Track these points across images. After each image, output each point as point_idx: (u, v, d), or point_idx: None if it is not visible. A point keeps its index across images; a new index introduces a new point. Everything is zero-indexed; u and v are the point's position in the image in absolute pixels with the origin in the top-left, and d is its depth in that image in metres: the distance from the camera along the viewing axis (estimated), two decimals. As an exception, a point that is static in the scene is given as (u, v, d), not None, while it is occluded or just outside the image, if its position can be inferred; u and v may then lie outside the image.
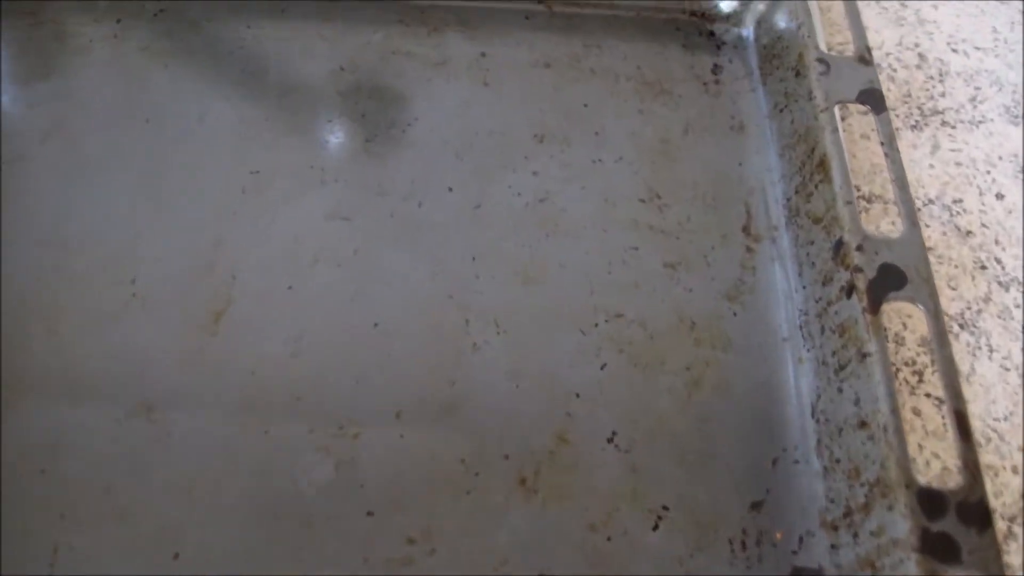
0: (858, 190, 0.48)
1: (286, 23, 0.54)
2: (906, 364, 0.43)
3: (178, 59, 0.54)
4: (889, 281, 0.40)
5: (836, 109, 0.45)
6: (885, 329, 0.39)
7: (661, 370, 0.44)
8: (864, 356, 0.38)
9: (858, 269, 0.40)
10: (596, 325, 0.45)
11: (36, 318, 0.45)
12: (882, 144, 0.44)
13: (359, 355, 0.44)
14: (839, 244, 0.41)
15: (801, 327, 0.43)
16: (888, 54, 0.55)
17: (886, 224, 0.47)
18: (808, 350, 0.43)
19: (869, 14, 0.57)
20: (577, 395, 0.42)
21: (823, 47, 0.48)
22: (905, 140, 0.51)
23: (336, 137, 0.51)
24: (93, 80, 0.52)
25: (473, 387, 0.43)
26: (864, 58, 0.47)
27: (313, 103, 0.52)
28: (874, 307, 0.39)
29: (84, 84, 0.53)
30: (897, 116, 0.52)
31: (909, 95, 0.53)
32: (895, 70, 0.54)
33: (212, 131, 0.51)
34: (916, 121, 0.52)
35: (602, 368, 0.43)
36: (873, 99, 0.45)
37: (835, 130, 0.44)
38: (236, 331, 0.45)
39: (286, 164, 0.48)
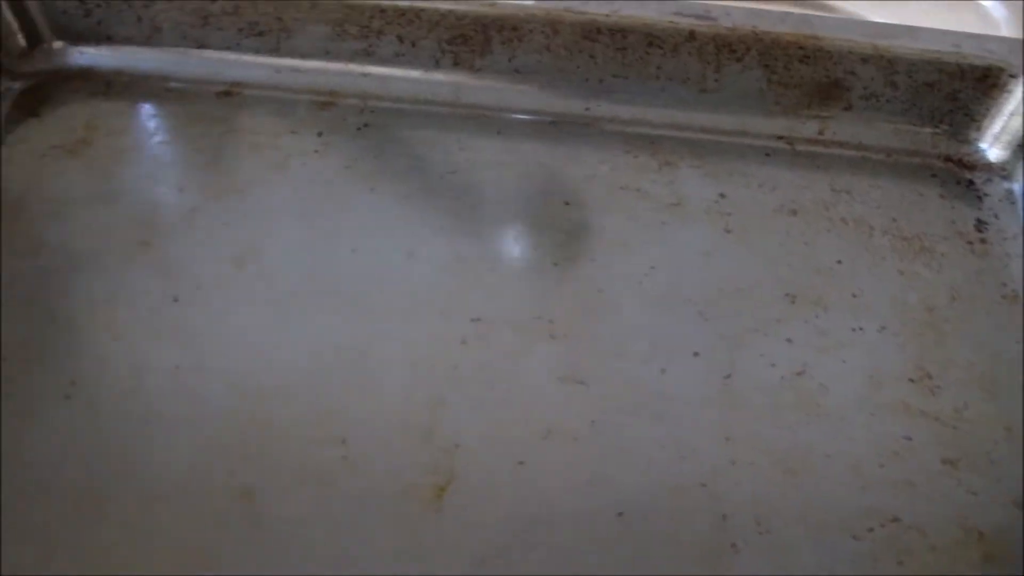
0: None
1: (503, 145, 0.51)
2: None
3: (384, 182, 0.51)
4: None
5: None
6: None
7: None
8: None
9: None
10: (870, 530, 0.42)
11: (232, 479, 0.42)
12: None
13: (601, 549, 0.40)
14: None
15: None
16: None
17: None
18: None
19: None
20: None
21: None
22: None
23: (564, 284, 0.48)
24: (292, 199, 0.49)
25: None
26: None
27: (537, 242, 0.49)
28: None
29: (282, 203, 0.50)
30: None
31: None
32: None
33: (425, 268, 0.48)
34: None
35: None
36: None
37: None
38: (461, 510, 0.41)
39: (510, 313, 0.45)
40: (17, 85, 0.54)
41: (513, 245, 0.47)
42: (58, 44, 0.55)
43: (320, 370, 0.44)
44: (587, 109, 0.52)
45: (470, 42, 0.51)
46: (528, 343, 0.44)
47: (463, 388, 0.43)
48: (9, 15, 0.53)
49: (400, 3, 0.51)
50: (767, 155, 0.52)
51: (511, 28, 0.50)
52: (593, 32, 0.50)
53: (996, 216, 0.50)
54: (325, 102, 0.53)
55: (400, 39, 0.52)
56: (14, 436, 0.42)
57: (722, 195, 0.50)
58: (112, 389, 0.44)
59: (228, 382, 0.44)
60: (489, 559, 0.39)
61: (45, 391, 0.44)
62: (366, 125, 0.52)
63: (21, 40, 0.54)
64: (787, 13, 0.51)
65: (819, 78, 0.52)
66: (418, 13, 0.51)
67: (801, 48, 0.50)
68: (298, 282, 0.47)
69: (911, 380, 0.45)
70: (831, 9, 0.61)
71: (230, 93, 0.53)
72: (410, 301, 0.45)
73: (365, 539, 0.40)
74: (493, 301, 0.45)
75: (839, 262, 0.49)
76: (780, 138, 0.52)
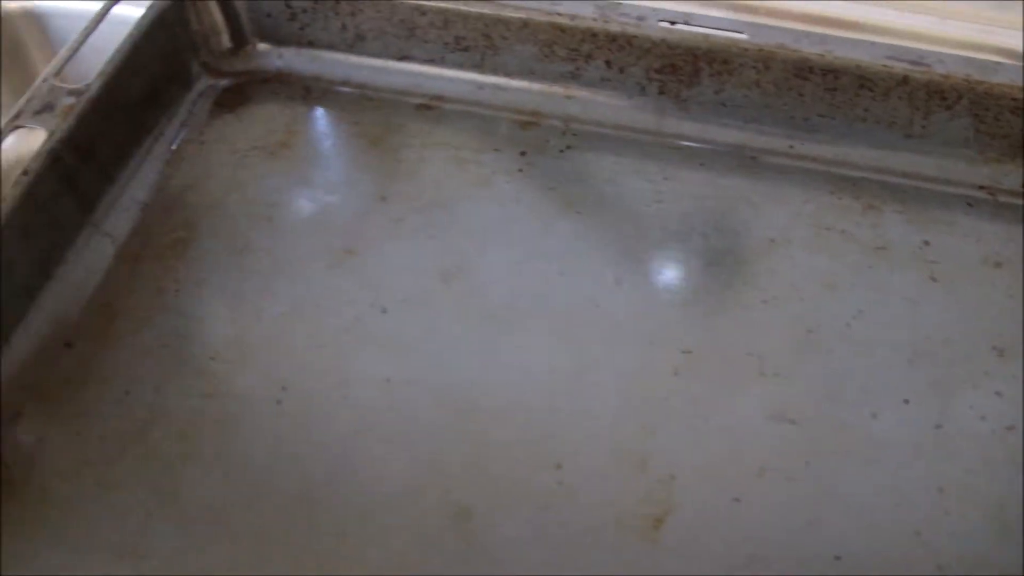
0: None
1: (705, 177, 0.51)
2: None
3: (589, 206, 0.52)
4: None
5: None
6: None
7: None
8: None
9: None
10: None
11: (450, 497, 0.43)
12: None
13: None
14: None
15: None
16: None
17: None
18: None
19: None
20: None
21: None
22: None
23: (775, 321, 0.48)
24: (497, 217, 0.51)
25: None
26: None
27: (745, 276, 0.49)
28: None
29: (487, 221, 0.51)
30: None
31: None
32: None
33: (633, 296, 0.49)
34: None
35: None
36: None
37: None
38: (679, 543, 0.42)
39: (719, 347, 0.45)
40: (220, 83, 0.56)
41: (719, 279, 0.48)
42: (262, 46, 0.56)
43: (532, 392, 0.45)
44: (791, 147, 0.53)
45: (679, 72, 0.52)
46: (738, 378, 0.45)
47: (676, 419, 0.44)
48: (219, 15, 0.54)
49: (612, 29, 0.51)
50: (969, 204, 0.52)
51: (722, 61, 0.51)
52: (805, 70, 0.51)
53: None
54: (527, 122, 0.54)
55: (608, 64, 0.53)
56: (228, 437, 0.44)
57: (926, 242, 0.50)
58: (322, 397, 0.45)
59: (440, 398, 0.45)
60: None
61: (256, 395, 0.45)
62: (568, 147, 0.52)
63: (227, 40, 0.56)
64: (1000, 63, 0.51)
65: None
66: (630, 40, 0.51)
67: (1014, 100, 0.50)
68: (506, 301, 0.48)
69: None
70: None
71: (430, 106, 0.54)
72: (619, 328, 0.46)
73: (582, 567, 0.40)
74: (702, 334, 0.46)
75: (1047, 318, 0.47)
76: (982, 188, 0.53)
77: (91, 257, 0.50)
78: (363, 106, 0.55)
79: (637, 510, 0.42)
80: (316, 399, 0.45)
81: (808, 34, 0.51)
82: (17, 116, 0.48)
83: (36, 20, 0.65)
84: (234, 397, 0.45)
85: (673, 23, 0.51)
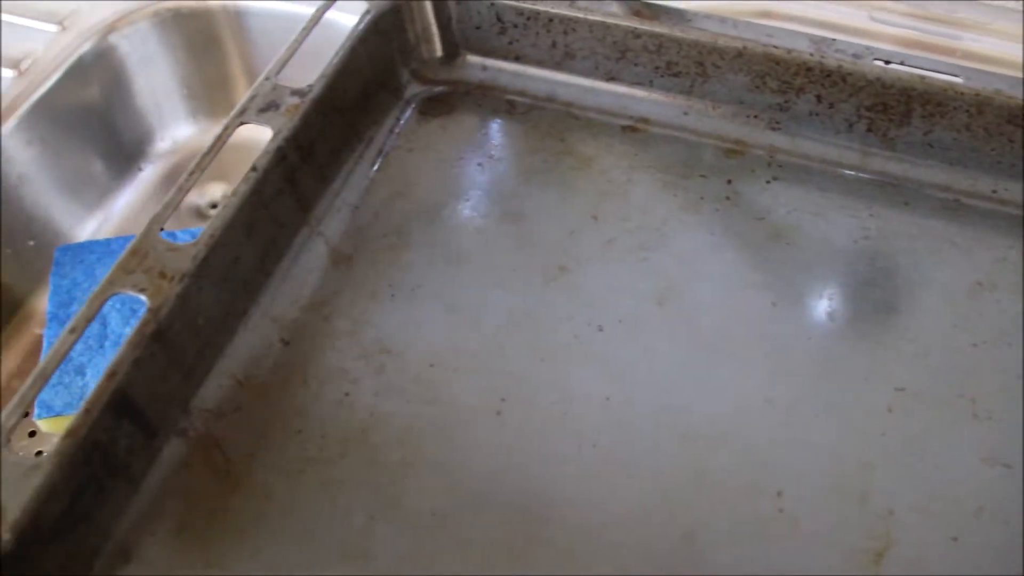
0: None
1: (910, 218, 0.53)
2: None
3: (800, 239, 0.54)
4: None
5: None
6: None
7: None
8: None
9: None
10: None
11: (673, 518, 0.45)
12: None
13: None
14: None
15: None
16: None
17: None
18: None
19: None
20: None
21: None
22: None
23: (985, 365, 0.50)
24: (708, 243, 0.54)
25: None
26: None
27: (954, 319, 0.51)
28: None
29: (699, 246, 0.54)
30: None
31: None
32: None
33: (843, 331, 0.51)
34: None
35: None
36: None
37: None
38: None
39: (932, 387, 0.47)
40: (427, 92, 0.58)
41: (928, 319, 0.49)
42: (471, 58, 0.58)
43: (749, 419, 0.47)
44: (994, 192, 0.54)
45: (890, 111, 0.53)
46: (951, 419, 0.46)
47: (892, 455, 0.45)
48: (432, 24, 0.57)
49: (828, 64, 0.53)
50: None
51: (936, 104, 0.53)
52: (1018, 117, 0.52)
53: None
54: (732, 150, 0.56)
55: (819, 99, 0.54)
56: (448, 445, 0.46)
57: None
58: (542, 411, 0.47)
59: (660, 420, 0.47)
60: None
61: (476, 404, 0.47)
62: (774, 179, 0.54)
63: (438, 49, 0.58)
64: None
65: None
66: (844, 76, 0.53)
67: None
68: (720, 328, 0.50)
69: None
70: None
71: (636, 128, 0.57)
72: (833, 362, 0.48)
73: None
74: (914, 373, 0.48)
75: None
76: None
77: (307, 257, 0.53)
78: (569, 124, 0.57)
79: (857, 543, 0.44)
80: (537, 413, 0.47)
81: None
82: (242, 113, 0.51)
83: (235, 17, 0.68)
84: (453, 405, 0.48)
85: (888, 62, 0.52)
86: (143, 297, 0.44)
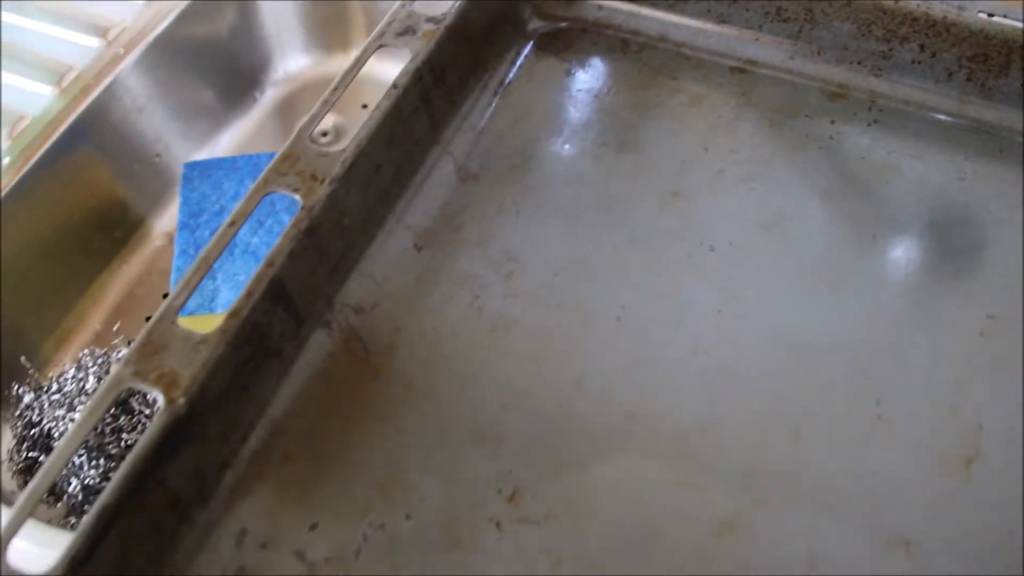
0: None
1: (1007, 162, 0.58)
2: None
3: (898, 178, 0.58)
4: None
5: None
6: None
7: None
8: None
9: None
10: None
11: (781, 420, 0.49)
12: None
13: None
14: None
15: None
16: None
17: None
18: None
19: None
20: None
21: None
22: None
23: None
24: (812, 178, 0.57)
25: None
26: None
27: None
28: None
29: (803, 180, 0.58)
30: None
31: None
32: None
33: (941, 263, 0.55)
34: None
35: None
36: None
37: None
38: (988, 484, 0.47)
39: (1021, 317, 0.50)
40: (546, 27, 0.62)
41: (1020, 256, 0.54)
42: (591, -4, 0.63)
43: (851, 336, 0.52)
44: (1085, 142, 0.58)
45: (989, 62, 0.57)
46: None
47: (983, 375, 0.50)
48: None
49: (933, 14, 0.57)
50: None
51: (1034, 56, 0.57)
52: (1112, 71, 0.56)
53: None
54: (835, 93, 0.60)
55: (921, 48, 0.59)
56: (573, 346, 0.52)
57: None
58: (659, 320, 0.52)
59: (768, 333, 0.51)
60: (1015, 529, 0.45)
61: (599, 310, 0.52)
62: (875, 122, 0.59)
63: (562, -13, 0.62)
64: None
65: None
66: (949, 27, 0.57)
67: None
68: (823, 253, 0.54)
69: None
70: None
71: (743, 70, 0.61)
72: (928, 290, 0.52)
73: (902, 489, 0.47)
74: (1005, 303, 0.52)
75: None
76: None
77: (438, 173, 0.58)
78: (680, 64, 0.61)
79: (948, 451, 0.47)
80: (653, 321, 0.52)
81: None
82: (380, 36, 0.55)
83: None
84: (576, 310, 0.52)
85: (991, 15, 0.56)
86: (297, 196, 0.49)
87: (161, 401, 0.42)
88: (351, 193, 0.51)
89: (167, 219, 0.74)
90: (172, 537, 0.44)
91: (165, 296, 0.66)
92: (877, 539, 0.45)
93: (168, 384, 0.43)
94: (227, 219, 0.47)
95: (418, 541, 0.45)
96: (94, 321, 0.68)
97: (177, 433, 0.43)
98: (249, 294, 0.46)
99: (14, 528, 0.39)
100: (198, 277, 0.46)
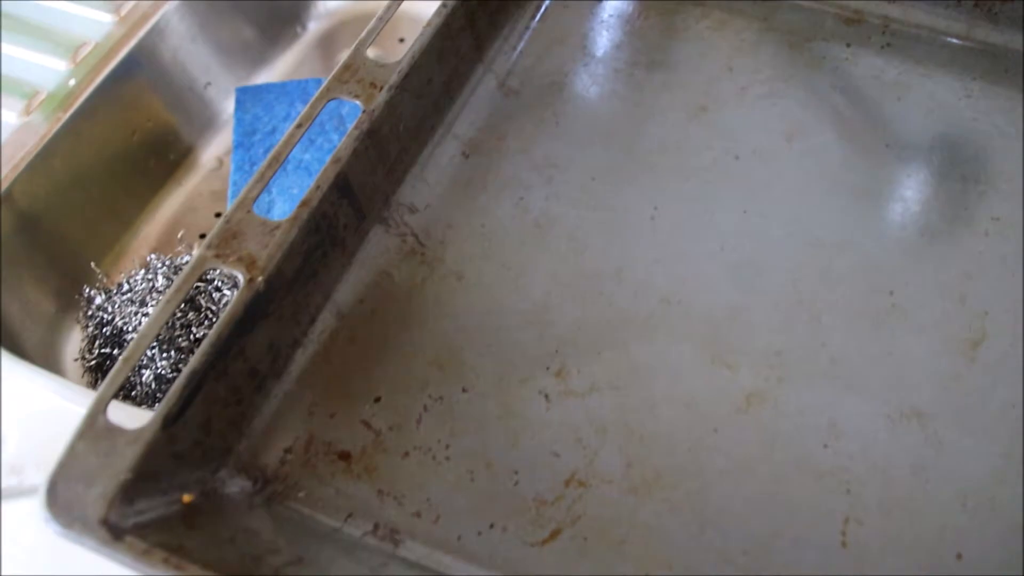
0: None
1: (1012, 81, 0.62)
2: None
3: (910, 94, 0.62)
4: None
5: None
6: None
7: None
8: None
9: None
10: None
11: (804, 307, 0.54)
12: None
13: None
14: None
15: None
16: None
17: None
18: None
19: None
20: None
21: None
22: None
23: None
24: (827, 94, 0.62)
25: None
26: None
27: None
28: None
29: (821, 97, 0.62)
30: None
31: None
32: None
33: (947, 171, 0.59)
34: None
35: None
36: None
37: None
38: (994, 364, 0.51)
39: (1024, 218, 0.55)
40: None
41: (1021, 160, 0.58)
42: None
43: (865, 234, 0.56)
44: (1084, 65, 0.62)
45: (996, -12, 0.62)
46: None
47: (988, 268, 0.54)
48: None
49: (944, -57, 0.62)
50: None
51: (1037, -19, 0.61)
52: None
53: None
54: (850, 19, 0.64)
55: (932, -26, 0.63)
56: (610, 241, 0.56)
57: None
58: (690, 218, 0.57)
59: (789, 230, 0.56)
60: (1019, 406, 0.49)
61: (634, 209, 0.57)
62: (888, 45, 0.63)
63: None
64: None
65: None
66: (958, -46, 0.62)
67: None
68: (840, 160, 0.58)
69: None
70: None
71: (767, -2, 0.65)
72: (937, 195, 0.58)
73: (913, 370, 0.51)
74: (1009, 206, 0.56)
75: None
76: None
77: (482, 88, 0.62)
78: (705, -7, 0.66)
79: (957, 334, 0.52)
80: (684, 220, 0.56)
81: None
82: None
83: None
84: (613, 210, 0.57)
85: (999, -56, 0.61)
86: (358, 102, 0.53)
87: (241, 280, 0.47)
88: (406, 101, 0.55)
89: (214, 146, 0.79)
90: (251, 405, 0.49)
91: (218, 216, 0.72)
92: (892, 411, 0.49)
93: (248, 265, 0.47)
94: (295, 121, 0.51)
95: (474, 411, 0.50)
96: (151, 237, 0.74)
97: (255, 309, 0.47)
98: (318, 186, 0.50)
99: (116, 383, 0.43)
100: (271, 171, 0.50)
